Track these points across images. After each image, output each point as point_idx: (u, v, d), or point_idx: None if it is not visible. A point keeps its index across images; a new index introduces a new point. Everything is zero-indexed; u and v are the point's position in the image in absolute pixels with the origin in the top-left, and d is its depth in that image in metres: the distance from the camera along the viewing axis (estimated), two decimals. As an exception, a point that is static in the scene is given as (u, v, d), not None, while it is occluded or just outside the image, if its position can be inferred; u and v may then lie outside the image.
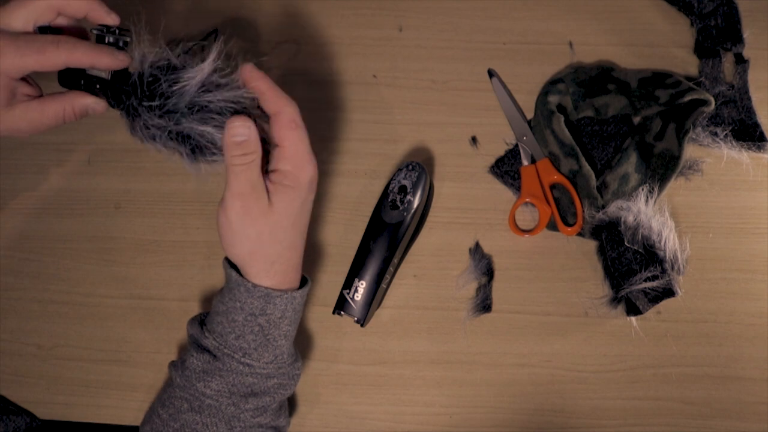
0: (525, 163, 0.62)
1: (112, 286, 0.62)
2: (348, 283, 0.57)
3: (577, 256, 0.60)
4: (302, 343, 0.60)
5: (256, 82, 0.45)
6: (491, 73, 0.65)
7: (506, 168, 0.63)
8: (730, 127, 0.62)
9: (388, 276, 0.57)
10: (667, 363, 0.58)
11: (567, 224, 0.60)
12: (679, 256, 0.56)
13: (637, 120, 0.63)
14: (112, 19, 0.49)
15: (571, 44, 0.66)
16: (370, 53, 0.67)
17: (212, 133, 0.45)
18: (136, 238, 0.63)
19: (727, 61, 0.64)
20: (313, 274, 0.61)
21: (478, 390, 0.58)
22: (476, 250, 0.61)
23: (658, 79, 0.60)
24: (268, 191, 0.46)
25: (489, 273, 0.60)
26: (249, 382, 0.49)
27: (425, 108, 0.65)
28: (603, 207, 0.59)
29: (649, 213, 0.57)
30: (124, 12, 0.50)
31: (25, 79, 0.48)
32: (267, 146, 0.47)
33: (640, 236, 0.56)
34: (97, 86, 0.48)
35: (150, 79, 0.44)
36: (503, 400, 0.58)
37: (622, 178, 0.60)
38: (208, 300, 0.61)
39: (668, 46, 0.65)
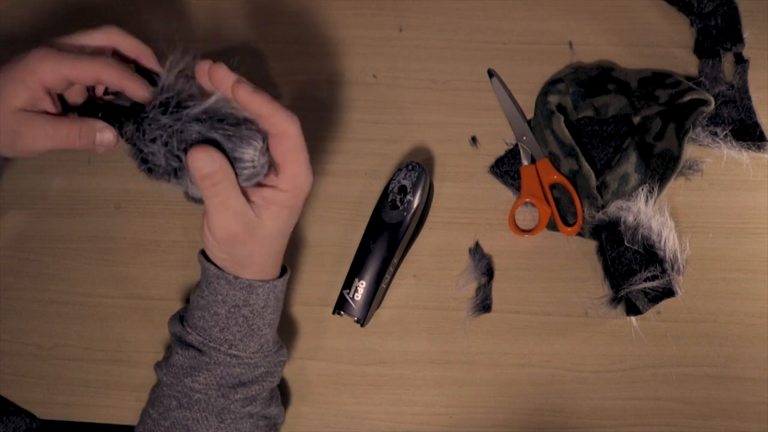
0: (525, 163, 0.62)
1: (112, 286, 0.62)
2: (348, 283, 0.57)
3: (577, 256, 0.60)
4: (302, 343, 0.60)
5: (255, 106, 0.41)
6: (491, 73, 0.65)
7: (506, 168, 0.63)
8: (730, 127, 0.62)
9: (388, 276, 0.57)
10: (667, 363, 0.58)
11: (567, 224, 0.60)
12: (679, 256, 0.56)
13: (637, 120, 0.63)
14: (156, 69, 0.47)
15: (571, 44, 0.66)
16: (370, 53, 0.67)
17: (220, 141, 0.42)
18: (136, 238, 0.63)
19: (727, 61, 0.64)
20: (313, 274, 0.61)
21: (478, 390, 0.58)
22: (476, 250, 0.61)
23: (658, 79, 0.60)
24: (259, 207, 0.45)
25: (489, 273, 0.60)
26: (237, 373, 0.49)
27: (425, 108, 0.65)
28: (603, 207, 0.59)
29: (649, 213, 0.57)
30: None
31: (53, 97, 0.46)
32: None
33: (640, 236, 0.56)
34: (115, 120, 0.46)
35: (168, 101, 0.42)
36: (503, 400, 0.58)
37: (622, 178, 0.60)
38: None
39: (668, 46, 0.65)
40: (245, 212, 0.44)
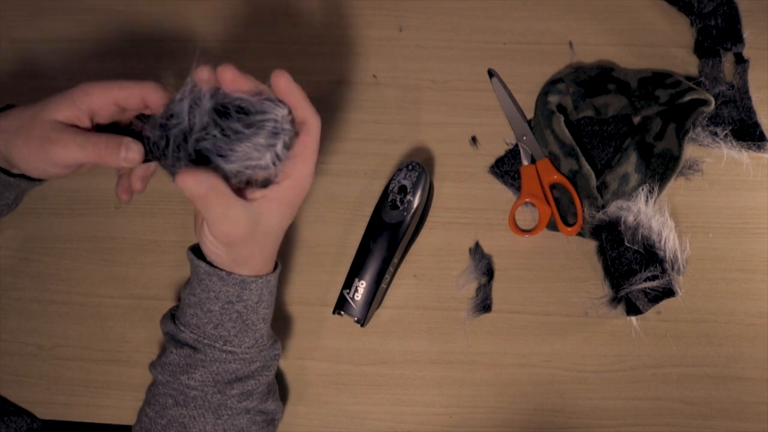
0: (525, 163, 0.62)
1: (112, 286, 0.62)
2: (348, 283, 0.57)
3: (577, 256, 0.60)
4: (302, 343, 0.60)
5: (290, 95, 0.44)
6: (491, 73, 0.65)
7: (506, 168, 0.63)
8: (730, 127, 0.62)
9: (388, 276, 0.57)
10: (667, 363, 0.58)
11: (567, 224, 0.60)
12: (679, 256, 0.56)
13: (637, 120, 0.63)
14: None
15: (571, 44, 0.66)
16: (370, 53, 0.67)
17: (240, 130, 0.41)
18: (136, 238, 0.63)
19: (727, 61, 0.64)
20: (313, 274, 0.61)
21: (478, 390, 0.58)
22: (476, 250, 0.61)
23: (658, 79, 0.60)
24: (259, 204, 0.45)
25: (489, 273, 0.60)
26: (233, 369, 0.49)
27: (425, 108, 0.65)
28: (603, 207, 0.59)
29: (649, 213, 0.57)
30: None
31: (92, 123, 0.47)
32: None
33: (640, 236, 0.56)
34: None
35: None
36: (503, 400, 0.58)
37: (622, 178, 0.60)
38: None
39: (668, 46, 0.65)
40: (245, 215, 0.44)
